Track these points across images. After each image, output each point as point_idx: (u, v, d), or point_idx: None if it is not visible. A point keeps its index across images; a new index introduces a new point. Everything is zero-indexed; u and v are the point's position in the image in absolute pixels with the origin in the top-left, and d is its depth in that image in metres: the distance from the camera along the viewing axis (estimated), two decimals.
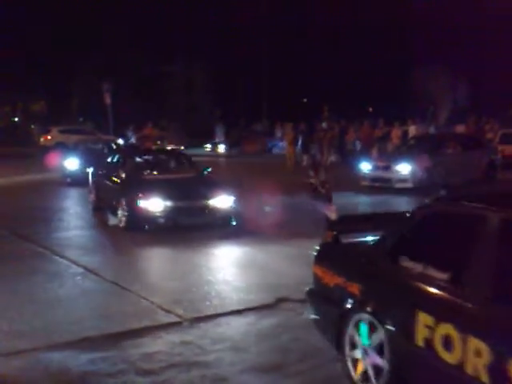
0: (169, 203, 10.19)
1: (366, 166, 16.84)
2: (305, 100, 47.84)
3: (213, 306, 6.52)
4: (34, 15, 40.90)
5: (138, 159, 12.77)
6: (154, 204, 10.14)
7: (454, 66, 34.30)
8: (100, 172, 13.03)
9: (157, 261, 8.85)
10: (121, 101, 32.10)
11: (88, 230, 11.32)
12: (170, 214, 10.21)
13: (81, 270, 8.07)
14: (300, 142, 26.77)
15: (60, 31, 40.97)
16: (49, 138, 32.24)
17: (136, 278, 7.60)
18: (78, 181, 16.38)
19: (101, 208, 12.43)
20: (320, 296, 4.93)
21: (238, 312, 6.32)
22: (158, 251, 9.46)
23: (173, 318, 6.13)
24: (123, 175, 11.51)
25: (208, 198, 10.49)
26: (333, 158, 24.88)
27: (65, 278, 7.68)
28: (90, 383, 4.71)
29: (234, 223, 10.71)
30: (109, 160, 13.36)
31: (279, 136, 33.94)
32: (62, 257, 8.77)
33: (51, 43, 41.14)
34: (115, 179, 11.69)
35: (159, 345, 5.44)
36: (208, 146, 33.78)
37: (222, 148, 32.85)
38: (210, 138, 35.17)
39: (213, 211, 10.52)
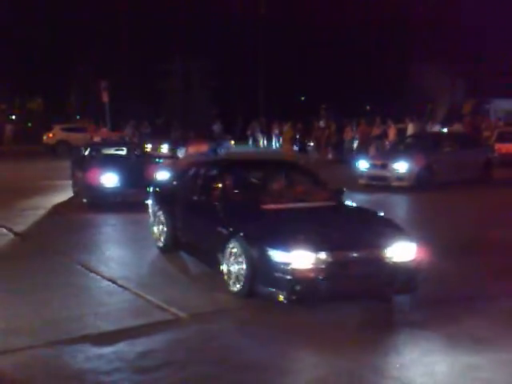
0: (323, 256, 6.11)
1: (363, 165, 16.86)
2: (302, 98, 47.87)
3: (208, 304, 6.54)
4: (31, 12, 40.82)
5: (236, 176, 8.39)
6: (299, 259, 6.03)
7: (453, 64, 34.33)
8: (170, 192, 9.07)
9: (156, 260, 8.84)
10: (118, 99, 32.10)
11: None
12: (328, 273, 6.09)
13: (78, 267, 8.09)
14: (297, 141, 26.89)
15: (57, 29, 40.92)
16: (51, 136, 31.83)
17: (133, 276, 7.61)
18: (115, 202, 12.51)
19: (178, 247, 8.66)
20: None
21: (233, 310, 6.35)
22: (154, 252, 9.44)
23: (169, 316, 6.14)
24: (223, 203, 7.46)
25: (381, 247, 6.37)
26: (330, 155, 24.96)
27: (62, 276, 7.69)
28: (87, 381, 4.72)
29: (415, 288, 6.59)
30: (177, 174, 9.90)
31: (277, 134, 34.01)
32: (60, 255, 8.79)
33: (48, 41, 41.09)
34: (207, 207, 7.71)
35: (155, 342, 5.45)
36: (164, 147, 28.14)
37: (165, 148, 28.05)
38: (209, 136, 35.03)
39: (390, 268, 6.36)
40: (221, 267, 6.97)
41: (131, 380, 4.72)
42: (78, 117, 42.25)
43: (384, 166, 16.22)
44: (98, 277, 7.59)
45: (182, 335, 5.63)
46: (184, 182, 8.87)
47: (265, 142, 35.75)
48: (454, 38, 35.36)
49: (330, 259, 6.09)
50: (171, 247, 8.69)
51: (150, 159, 15.93)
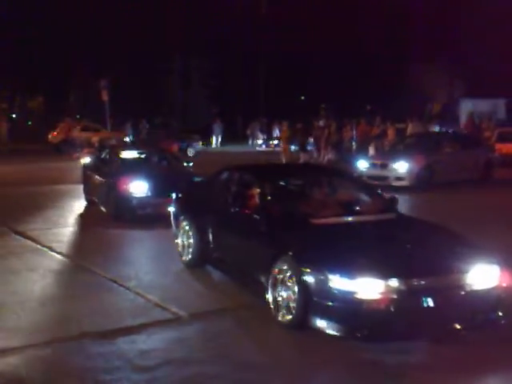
0: (395, 283, 5.14)
1: (363, 164, 16.85)
2: (302, 98, 47.86)
3: (208, 303, 6.53)
4: (31, 11, 40.81)
5: (277, 184, 7.56)
6: (366, 287, 5.12)
7: (453, 64, 34.34)
8: (197, 200, 8.24)
9: (155, 259, 8.83)
10: (118, 98, 32.06)
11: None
12: (400, 304, 5.10)
13: (77, 266, 8.08)
14: (297, 140, 26.84)
15: (58, 27, 40.90)
16: (55, 134, 31.59)
17: (133, 275, 7.61)
18: (147, 213, 10.97)
19: (208, 263, 7.74)
20: None
21: (233, 309, 6.33)
22: (156, 250, 9.43)
23: (169, 315, 6.14)
24: (264, 215, 6.47)
25: (460, 271, 5.39)
26: (330, 155, 24.94)
27: (61, 275, 7.67)
28: (86, 379, 4.71)
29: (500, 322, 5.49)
30: (205, 179, 9.14)
31: (277, 133, 33.97)
32: (59, 253, 8.78)
33: (49, 40, 41.07)
34: (245, 220, 6.80)
35: (155, 341, 5.45)
36: None
37: None
38: (207, 135, 35.04)
39: (471, 298, 5.37)
40: (266, 296, 5.92)
41: (131, 379, 4.72)
42: (77, 116, 42.22)
43: (384, 166, 16.21)
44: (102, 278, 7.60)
45: (182, 334, 5.63)
46: (214, 189, 7.86)
47: (261, 141, 35.70)
48: (453, 37, 35.38)
49: (402, 287, 5.10)
50: (199, 262, 7.73)
51: (180, 163, 13.43)
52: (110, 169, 12.28)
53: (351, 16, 39.73)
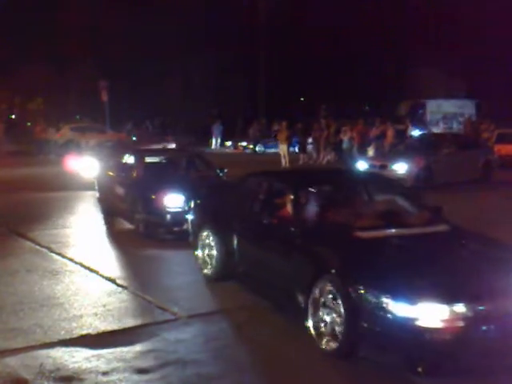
0: (461, 308, 4.52)
1: (362, 165, 16.86)
2: (302, 99, 47.85)
3: (208, 304, 6.53)
4: (30, 12, 40.81)
5: (314, 193, 6.63)
6: (427, 313, 4.46)
7: (452, 65, 34.37)
8: (218, 207, 7.56)
9: (154, 259, 8.82)
10: (118, 98, 32.06)
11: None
12: (467, 333, 4.51)
13: (77, 267, 8.08)
14: (296, 141, 26.85)
15: (57, 28, 40.90)
16: (59, 135, 31.44)
17: (132, 276, 7.61)
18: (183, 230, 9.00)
19: (233, 277, 7.05)
20: None
21: (232, 310, 6.34)
22: (155, 250, 9.42)
23: (168, 316, 6.14)
24: (301, 227, 5.89)
25: None
26: (329, 156, 24.95)
27: (61, 276, 7.68)
28: (86, 381, 4.71)
29: None
30: (228, 184, 8.78)
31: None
32: (59, 254, 8.78)
33: (48, 40, 41.07)
34: (278, 232, 6.12)
35: (154, 343, 5.45)
36: None
37: None
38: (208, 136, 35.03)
39: None
40: (307, 320, 5.26)
41: (130, 380, 4.72)
42: (77, 117, 42.21)
43: (383, 167, 16.21)
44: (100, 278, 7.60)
45: (182, 335, 5.63)
46: (239, 196, 7.14)
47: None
48: (453, 38, 35.42)
49: (469, 313, 4.45)
50: (222, 276, 7.08)
51: (212, 168, 11.56)
52: (136, 177, 10.67)
53: (351, 16, 39.74)
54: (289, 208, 6.17)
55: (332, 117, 27.86)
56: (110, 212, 11.47)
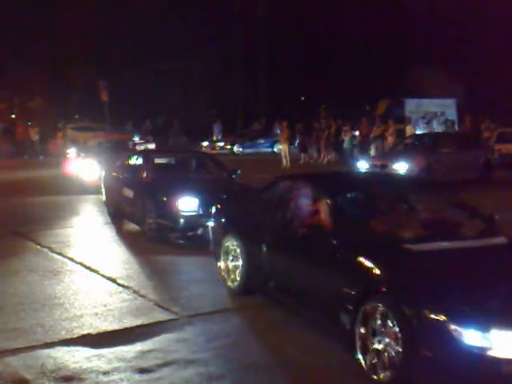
0: None
1: (363, 165, 16.85)
2: (302, 98, 47.84)
3: (209, 304, 6.53)
4: (30, 11, 40.81)
5: (356, 200, 6.10)
6: (502, 341, 3.91)
7: (452, 65, 34.36)
8: (244, 213, 6.97)
9: (154, 259, 8.82)
10: (118, 97, 32.05)
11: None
12: None
13: (78, 267, 8.08)
14: (297, 141, 26.84)
15: (57, 28, 40.90)
16: (61, 135, 31.25)
17: (133, 276, 7.60)
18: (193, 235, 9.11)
19: (263, 291, 6.52)
20: None
21: (234, 310, 6.33)
22: (156, 249, 9.42)
23: (169, 316, 6.13)
24: (343, 239, 5.22)
25: None
26: (330, 156, 24.95)
27: (62, 276, 7.67)
28: (86, 381, 4.70)
29: None
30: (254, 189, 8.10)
31: (278, 134, 33.95)
32: (59, 254, 8.78)
33: (48, 40, 41.08)
34: (315, 243, 5.47)
35: (155, 342, 5.44)
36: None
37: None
38: (208, 136, 34.98)
39: None
40: (356, 349, 4.62)
41: (131, 380, 4.71)
42: (76, 116, 42.21)
43: (384, 167, 16.21)
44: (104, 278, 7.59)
45: (183, 335, 5.62)
46: (267, 202, 6.57)
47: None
48: (453, 38, 35.43)
49: None
50: (250, 289, 6.56)
51: (224, 169, 11.09)
52: (146, 179, 10.28)
53: (351, 16, 39.74)
54: (325, 216, 5.51)
55: (332, 117, 27.83)
56: (118, 215, 11.20)
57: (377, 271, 4.65)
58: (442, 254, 4.92)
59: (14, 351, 5.23)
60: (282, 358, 5.15)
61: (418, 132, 24.24)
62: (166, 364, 4.96)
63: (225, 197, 8.01)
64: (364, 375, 4.56)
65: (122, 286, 7.14)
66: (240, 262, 6.53)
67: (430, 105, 30.98)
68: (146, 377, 4.75)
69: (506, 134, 22.31)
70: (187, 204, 9.08)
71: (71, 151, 21.96)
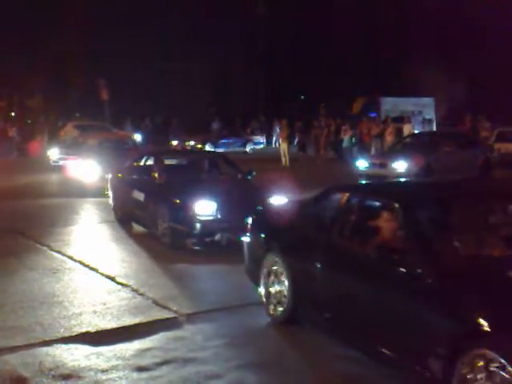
0: None
1: (362, 164, 16.87)
2: (302, 97, 47.83)
3: (208, 302, 6.53)
4: (30, 9, 40.79)
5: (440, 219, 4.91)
6: None
7: (452, 64, 34.36)
8: (292, 229, 5.84)
9: (154, 257, 8.82)
10: (118, 96, 32.03)
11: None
12: None
13: (77, 265, 8.08)
14: (296, 140, 26.89)
15: (57, 26, 40.88)
16: (63, 134, 31.12)
17: (132, 274, 7.61)
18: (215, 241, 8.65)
19: (315, 324, 5.56)
20: None
21: (233, 308, 6.33)
22: (153, 249, 9.42)
23: (168, 314, 6.14)
24: (434, 269, 4.15)
25: None
26: (329, 155, 24.96)
27: (60, 274, 7.68)
28: (85, 379, 4.71)
29: None
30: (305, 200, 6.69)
31: (278, 132, 33.92)
32: (58, 252, 8.78)
33: (49, 39, 41.05)
34: (393, 273, 4.42)
35: (154, 340, 5.44)
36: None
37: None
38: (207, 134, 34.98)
39: None
40: None
41: (129, 378, 4.72)
42: (77, 114, 42.21)
43: (383, 166, 16.22)
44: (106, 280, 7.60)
45: (181, 333, 5.63)
46: (319, 217, 5.56)
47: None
48: (453, 37, 35.42)
49: None
50: (298, 319, 5.64)
51: (238, 171, 10.48)
52: (158, 181, 9.75)
53: (350, 16, 39.74)
54: (398, 234, 4.54)
55: (331, 115, 27.83)
56: (126, 219, 10.70)
57: (481, 307, 3.74)
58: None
59: (13, 349, 5.23)
60: (279, 358, 5.14)
61: (416, 131, 24.23)
62: (164, 362, 4.96)
63: (261, 208, 7.20)
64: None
65: (121, 284, 7.14)
66: (285, 287, 5.59)
67: (408, 104, 30.06)
68: (144, 375, 4.76)
69: (505, 133, 22.30)
70: (204, 208, 8.55)
71: (52, 152, 21.39)
